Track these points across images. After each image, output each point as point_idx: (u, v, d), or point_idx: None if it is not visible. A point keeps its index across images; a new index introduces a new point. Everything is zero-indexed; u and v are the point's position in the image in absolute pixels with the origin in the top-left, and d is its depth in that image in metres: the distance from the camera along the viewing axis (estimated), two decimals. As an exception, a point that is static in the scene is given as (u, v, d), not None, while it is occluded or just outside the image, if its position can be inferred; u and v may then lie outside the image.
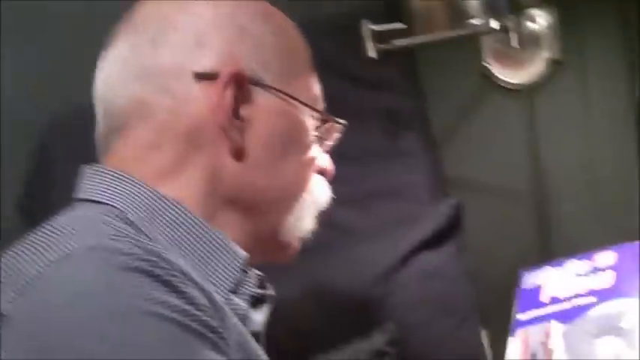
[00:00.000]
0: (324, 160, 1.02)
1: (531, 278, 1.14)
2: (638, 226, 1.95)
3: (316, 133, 0.99)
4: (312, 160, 0.98)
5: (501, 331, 1.44)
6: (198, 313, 0.75)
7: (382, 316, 1.61)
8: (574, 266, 1.16)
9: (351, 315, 1.61)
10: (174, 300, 0.73)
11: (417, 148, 1.81)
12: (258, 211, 0.94)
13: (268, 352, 0.95)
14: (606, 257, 1.15)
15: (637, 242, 1.14)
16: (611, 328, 1.03)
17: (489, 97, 2.00)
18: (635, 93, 1.98)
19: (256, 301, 0.95)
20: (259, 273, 0.97)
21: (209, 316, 0.76)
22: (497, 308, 1.82)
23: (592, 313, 1.07)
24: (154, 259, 0.76)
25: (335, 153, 1.54)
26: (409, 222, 1.69)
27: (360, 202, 1.72)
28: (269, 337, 0.99)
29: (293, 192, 0.97)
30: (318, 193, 0.99)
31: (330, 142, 1.03)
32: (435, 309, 1.64)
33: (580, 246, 1.90)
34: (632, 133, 1.98)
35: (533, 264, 1.90)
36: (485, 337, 1.77)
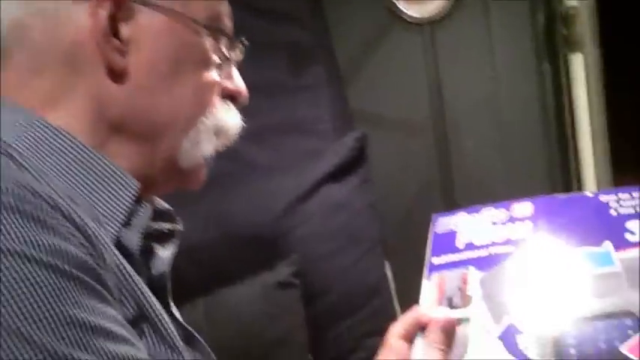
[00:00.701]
0: (235, 84, 0.95)
1: (445, 223, 1.13)
2: (542, 162, 2.01)
3: (219, 55, 0.92)
4: (213, 83, 0.91)
5: (404, 262, 1.46)
6: (72, 251, 0.71)
7: (287, 248, 1.62)
8: (490, 214, 1.15)
9: (256, 247, 1.61)
10: (45, 238, 0.70)
11: (322, 82, 1.80)
12: (149, 136, 0.87)
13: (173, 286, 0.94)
14: (524, 208, 1.15)
15: (555, 195, 1.15)
16: (527, 279, 1.02)
17: (394, 30, 2.01)
18: (537, 26, 2.00)
19: (162, 237, 0.92)
20: (167, 206, 0.94)
21: (85, 254, 0.73)
22: (399, 240, 1.89)
23: (509, 262, 1.07)
24: (25, 193, 0.72)
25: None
26: (314, 155, 1.69)
27: (264, 136, 1.71)
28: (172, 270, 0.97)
29: (187, 116, 0.89)
30: (222, 117, 0.93)
31: (233, 66, 0.97)
32: (340, 240, 1.65)
33: (481, 181, 2.01)
34: (534, 67, 2.01)
35: (435, 198, 1.99)
36: (388, 268, 1.80)
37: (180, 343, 0.83)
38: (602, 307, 0.97)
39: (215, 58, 0.91)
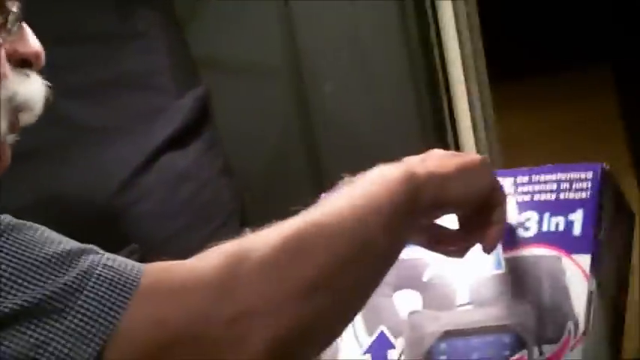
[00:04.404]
0: (27, 45, 0.85)
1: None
2: (410, 104, 1.87)
3: None
4: None
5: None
6: None
7: (125, 230, 1.44)
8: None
9: (90, 231, 1.36)
10: None
11: (157, 28, 1.59)
12: None
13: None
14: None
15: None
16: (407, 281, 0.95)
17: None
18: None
19: None
20: None
21: None
22: (261, 202, 1.75)
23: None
24: None
25: (59, 36, 1.29)
26: (151, 117, 1.49)
27: (94, 94, 1.50)
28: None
29: None
30: (17, 88, 0.84)
31: (21, 25, 0.85)
32: (185, 218, 1.47)
33: (344, 128, 1.90)
34: (395, 2, 1.88)
35: (296, 152, 1.87)
36: (249, 236, 1.64)
37: None
38: (479, 318, 0.90)
39: None
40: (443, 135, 1.91)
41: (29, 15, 0.89)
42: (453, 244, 0.88)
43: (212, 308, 0.69)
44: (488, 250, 0.86)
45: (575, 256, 0.90)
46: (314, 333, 0.74)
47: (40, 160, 0.92)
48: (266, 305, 0.70)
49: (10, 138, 0.85)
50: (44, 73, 0.88)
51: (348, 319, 0.79)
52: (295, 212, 0.77)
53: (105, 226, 1.42)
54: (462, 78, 1.88)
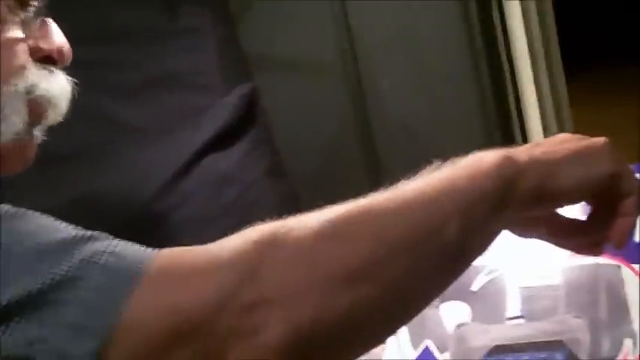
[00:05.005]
0: (51, 41, 0.84)
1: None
2: (472, 100, 1.80)
3: (14, 11, 0.81)
4: (10, 42, 0.81)
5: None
6: None
7: (165, 235, 1.38)
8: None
9: (126, 236, 1.35)
10: None
11: (206, 24, 1.55)
12: None
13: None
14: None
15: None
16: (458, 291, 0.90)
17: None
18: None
19: None
20: None
21: None
22: (315, 202, 1.69)
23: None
24: None
25: (104, 33, 1.26)
26: (196, 117, 1.44)
27: (138, 93, 1.46)
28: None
29: None
30: (38, 83, 0.82)
31: (47, 21, 0.83)
32: (231, 222, 1.38)
33: (403, 126, 1.84)
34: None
35: (353, 151, 1.82)
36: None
37: None
38: (530, 332, 0.84)
39: (10, 16, 0.81)
40: (509, 133, 1.84)
41: (70, 11, 0.87)
42: (581, 238, 0.77)
43: (228, 294, 0.61)
44: (616, 246, 0.74)
45: (636, 266, 0.84)
46: (348, 330, 0.65)
47: (79, 160, 0.89)
48: (290, 293, 0.62)
49: (35, 134, 0.83)
50: (86, 71, 0.87)
51: (397, 318, 0.69)
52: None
53: (142, 231, 1.34)
54: (530, 75, 1.81)
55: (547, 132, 1.85)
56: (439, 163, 0.70)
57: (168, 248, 0.65)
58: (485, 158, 0.68)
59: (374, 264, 0.64)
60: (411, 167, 0.75)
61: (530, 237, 0.76)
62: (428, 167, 0.70)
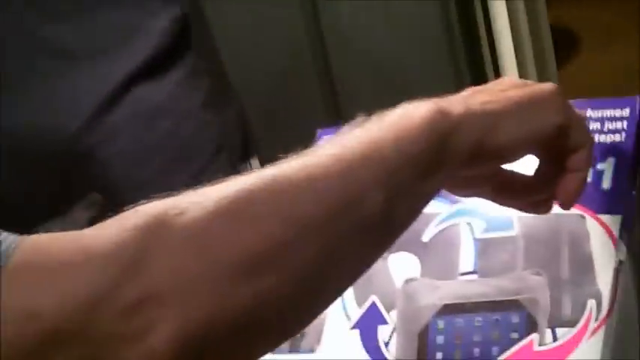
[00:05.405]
0: None
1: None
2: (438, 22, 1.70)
3: None
4: None
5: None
6: None
7: (90, 175, 1.29)
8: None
9: (47, 176, 1.29)
10: None
11: None
12: None
13: None
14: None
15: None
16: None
17: None
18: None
19: None
20: None
21: None
22: (266, 132, 1.62)
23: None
24: None
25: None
26: (128, 38, 1.33)
27: (66, 10, 1.33)
28: None
29: None
30: None
31: None
32: (164, 158, 1.32)
33: (362, 50, 1.74)
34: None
35: (307, 77, 1.73)
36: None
37: None
38: (484, 290, 0.78)
39: None
40: (480, 69, 1.74)
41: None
42: (529, 196, 0.71)
43: (103, 292, 0.52)
44: (565, 205, 0.69)
45: (602, 216, 0.76)
46: (251, 326, 0.56)
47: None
48: (181, 287, 0.54)
49: None
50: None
51: (311, 308, 0.61)
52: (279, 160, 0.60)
53: (66, 171, 1.29)
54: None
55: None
56: (362, 118, 0.62)
57: (34, 235, 0.55)
58: (415, 113, 0.61)
59: (280, 247, 0.56)
60: (370, 97, 0.66)
61: (473, 196, 0.70)
62: (351, 123, 0.62)
